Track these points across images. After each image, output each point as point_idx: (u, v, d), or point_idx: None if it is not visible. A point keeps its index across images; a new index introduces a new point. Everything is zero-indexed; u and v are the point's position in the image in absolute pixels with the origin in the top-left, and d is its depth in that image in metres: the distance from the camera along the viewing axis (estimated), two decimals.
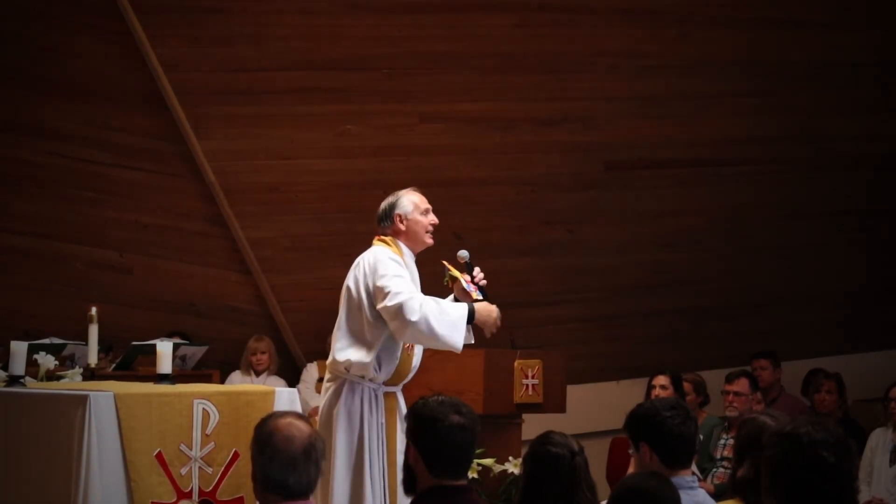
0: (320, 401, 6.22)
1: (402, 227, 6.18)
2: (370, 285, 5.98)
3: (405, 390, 6.30)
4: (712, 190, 10.22)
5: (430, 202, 6.34)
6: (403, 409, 6.11)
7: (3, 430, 5.62)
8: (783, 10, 9.56)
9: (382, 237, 6.21)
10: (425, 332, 5.87)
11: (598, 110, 9.72)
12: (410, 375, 6.25)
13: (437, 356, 7.16)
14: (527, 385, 7.52)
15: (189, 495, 5.42)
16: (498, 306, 6.39)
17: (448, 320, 5.89)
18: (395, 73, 9.26)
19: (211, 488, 5.50)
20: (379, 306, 5.93)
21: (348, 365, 6.02)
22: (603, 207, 10.10)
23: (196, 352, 8.88)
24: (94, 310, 6.56)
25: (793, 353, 10.35)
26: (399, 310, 5.85)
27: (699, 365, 9.86)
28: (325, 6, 9.00)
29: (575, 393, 8.28)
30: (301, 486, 3.76)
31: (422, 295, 5.96)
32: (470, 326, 6.12)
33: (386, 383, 6.12)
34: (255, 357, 9.83)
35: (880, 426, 8.54)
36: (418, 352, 6.24)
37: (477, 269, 6.28)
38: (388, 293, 5.88)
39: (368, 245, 6.28)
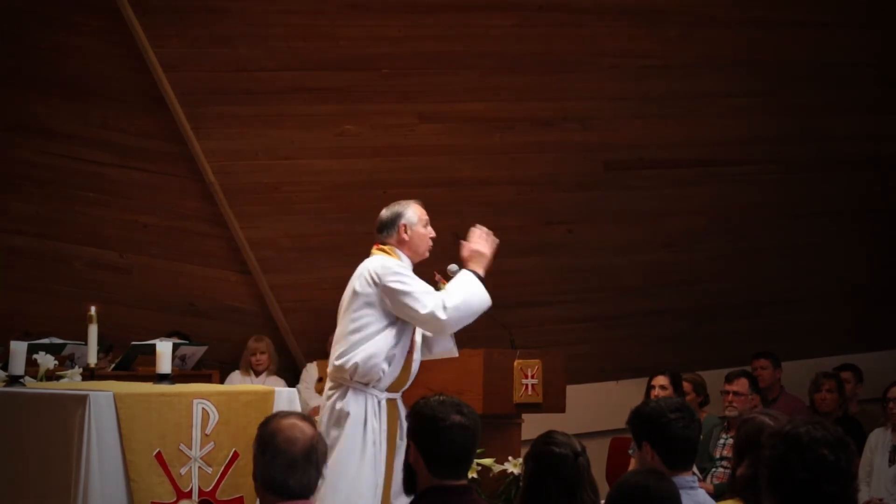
0: (322, 407, 6.20)
1: (406, 238, 6.18)
2: (386, 292, 6.00)
3: (405, 391, 6.30)
4: (712, 190, 10.22)
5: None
6: (403, 416, 6.11)
7: (3, 430, 5.62)
8: (783, 10, 9.57)
9: (382, 246, 6.21)
10: (464, 316, 6.06)
11: (598, 110, 9.72)
12: (410, 382, 6.25)
13: None
14: (526, 385, 7.52)
15: (189, 495, 5.42)
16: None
17: (471, 292, 6.05)
18: (395, 73, 9.26)
19: (211, 488, 5.50)
20: (407, 314, 6.01)
21: (354, 368, 5.99)
22: (603, 207, 10.10)
23: (196, 352, 8.87)
24: (93, 310, 6.56)
25: (793, 353, 10.34)
26: (433, 315, 5.97)
27: (699, 365, 9.86)
28: (325, 6, 9.00)
29: (575, 393, 8.28)
30: (301, 488, 3.75)
31: (437, 294, 6.07)
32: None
33: (387, 390, 6.11)
34: (255, 357, 9.82)
35: (880, 426, 8.55)
36: (417, 358, 6.24)
37: None
38: (418, 301, 5.97)
39: (369, 245, 6.28)
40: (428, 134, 9.52)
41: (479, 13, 9.13)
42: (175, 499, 5.40)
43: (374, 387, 6.04)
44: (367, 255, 6.19)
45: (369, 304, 6.02)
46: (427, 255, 6.26)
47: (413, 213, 6.21)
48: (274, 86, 9.18)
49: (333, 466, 5.87)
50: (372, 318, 6.02)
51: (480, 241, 6.20)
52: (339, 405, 6.03)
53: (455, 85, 9.40)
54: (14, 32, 9.10)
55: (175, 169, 9.51)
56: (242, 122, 9.30)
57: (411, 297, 5.97)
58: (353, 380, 6.03)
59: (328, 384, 6.16)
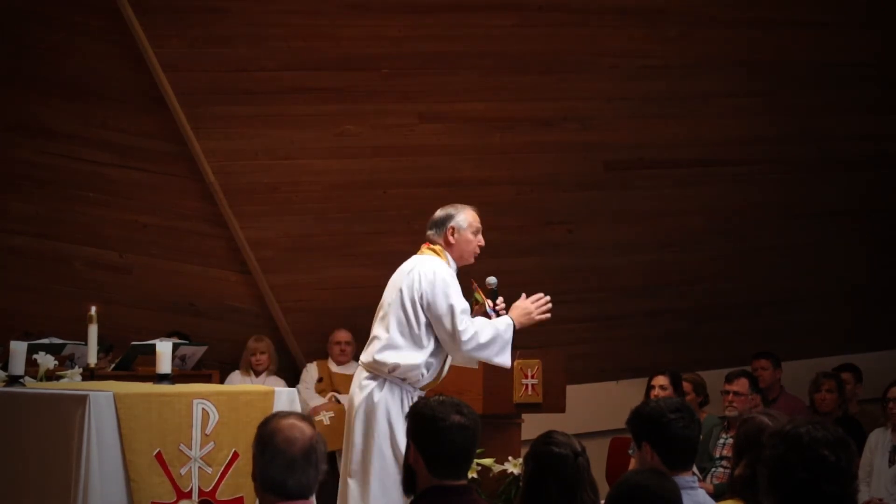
0: (356, 396, 6.25)
1: (452, 241, 6.35)
2: (431, 298, 6.16)
3: None
4: (712, 190, 10.22)
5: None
6: None
7: (3, 430, 5.63)
8: (783, 10, 9.56)
9: (433, 246, 6.36)
10: (476, 358, 6.28)
11: (598, 110, 9.72)
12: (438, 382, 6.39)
13: None
14: (526, 385, 7.52)
15: (189, 495, 5.42)
16: None
17: (500, 344, 6.27)
18: (395, 73, 9.26)
19: (211, 488, 5.50)
20: (439, 323, 6.15)
21: (395, 367, 6.13)
22: (603, 207, 10.10)
23: (196, 352, 8.87)
24: (93, 310, 6.56)
25: (793, 353, 10.34)
26: (458, 336, 6.14)
27: (699, 365, 9.86)
28: (325, 6, 9.00)
29: (575, 393, 8.29)
30: (300, 488, 3.75)
31: (477, 322, 6.24)
32: None
33: (421, 388, 6.25)
34: (255, 357, 9.82)
35: (880, 426, 8.54)
36: (449, 362, 6.40)
37: (500, 299, 6.52)
38: (460, 326, 6.13)
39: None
40: (428, 134, 9.52)
41: (479, 13, 9.13)
42: (175, 499, 5.40)
43: (410, 384, 6.18)
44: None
45: (415, 306, 6.16)
46: (472, 261, 6.41)
47: (464, 218, 6.38)
48: (274, 86, 9.18)
49: (370, 453, 6.06)
50: (416, 322, 6.16)
51: (534, 305, 6.44)
52: (377, 396, 6.15)
53: (455, 85, 9.40)
54: (14, 32, 9.10)
55: (175, 169, 9.51)
56: (242, 122, 9.30)
57: (452, 309, 6.13)
58: (394, 374, 6.16)
59: (363, 374, 6.26)
